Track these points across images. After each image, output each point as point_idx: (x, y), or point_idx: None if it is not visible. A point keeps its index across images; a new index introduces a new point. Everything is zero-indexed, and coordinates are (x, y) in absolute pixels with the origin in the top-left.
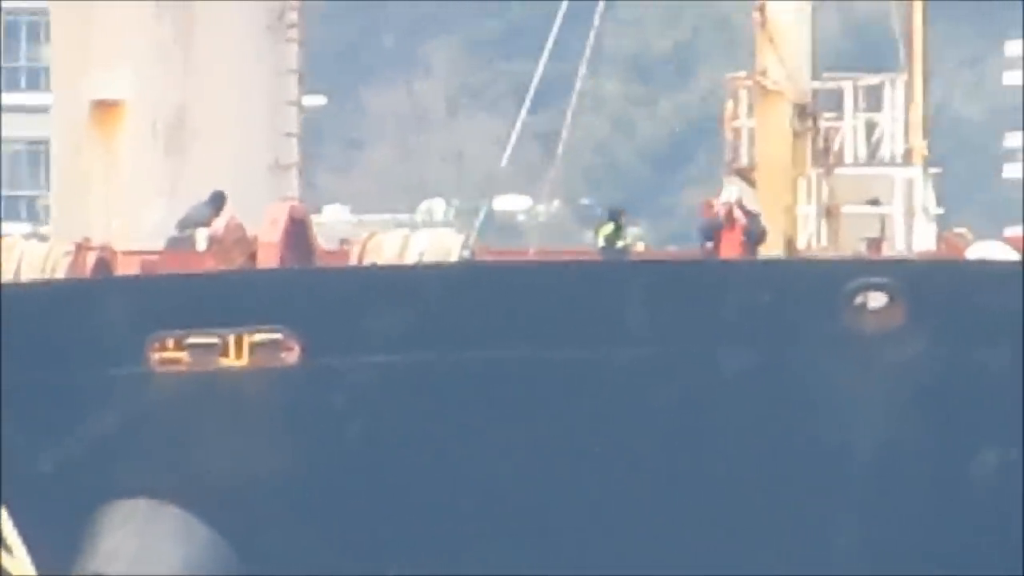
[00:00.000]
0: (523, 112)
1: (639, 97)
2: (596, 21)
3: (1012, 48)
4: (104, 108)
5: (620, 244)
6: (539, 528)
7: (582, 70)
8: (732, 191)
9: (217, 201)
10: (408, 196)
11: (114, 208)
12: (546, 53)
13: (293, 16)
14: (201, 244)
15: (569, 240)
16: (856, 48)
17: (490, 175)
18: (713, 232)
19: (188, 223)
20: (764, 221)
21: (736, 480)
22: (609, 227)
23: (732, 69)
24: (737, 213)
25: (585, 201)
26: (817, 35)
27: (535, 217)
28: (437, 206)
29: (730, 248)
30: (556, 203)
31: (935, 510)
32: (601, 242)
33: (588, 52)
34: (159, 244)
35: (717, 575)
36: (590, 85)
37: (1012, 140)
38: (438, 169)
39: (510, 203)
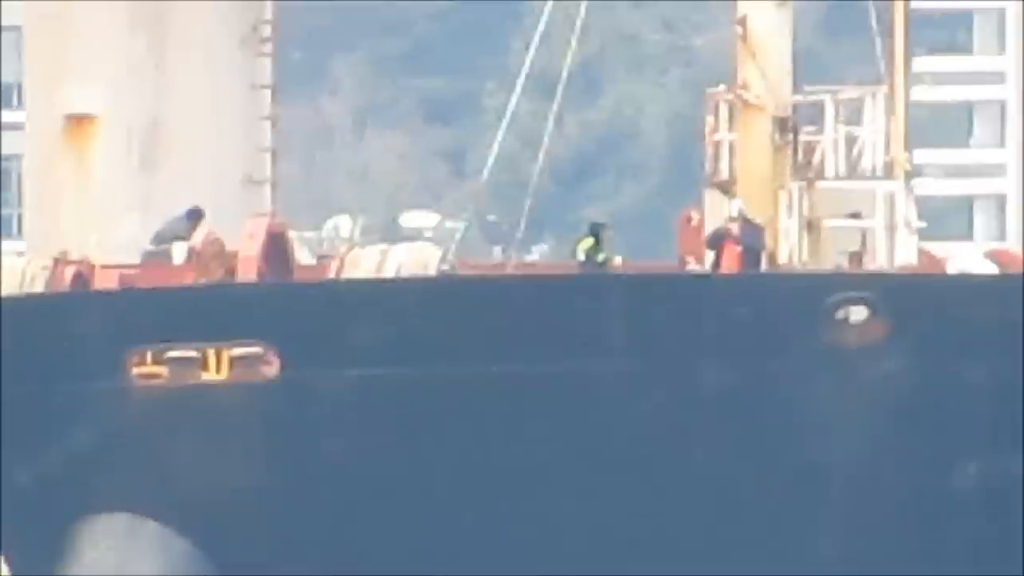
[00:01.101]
0: (507, 113)
1: (546, 113)
2: (577, 27)
3: (919, 65)
4: (77, 122)
5: (600, 258)
6: (519, 540)
7: (564, 73)
8: (735, 204)
9: (194, 216)
10: (314, 213)
11: (88, 222)
12: (533, 47)
13: (266, 30)
14: (177, 258)
15: (478, 256)
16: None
17: (396, 190)
18: (718, 244)
19: (165, 237)
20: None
21: (717, 493)
22: (589, 241)
23: (638, 86)
24: (731, 228)
25: (492, 217)
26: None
27: (442, 233)
28: (344, 223)
29: (729, 261)
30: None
31: (916, 522)
32: (581, 256)
33: (569, 58)
34: (133, 258)
35: None
36: (498, 102)
37: (920, 157)
38: (344, 185)
39: (417, 219)
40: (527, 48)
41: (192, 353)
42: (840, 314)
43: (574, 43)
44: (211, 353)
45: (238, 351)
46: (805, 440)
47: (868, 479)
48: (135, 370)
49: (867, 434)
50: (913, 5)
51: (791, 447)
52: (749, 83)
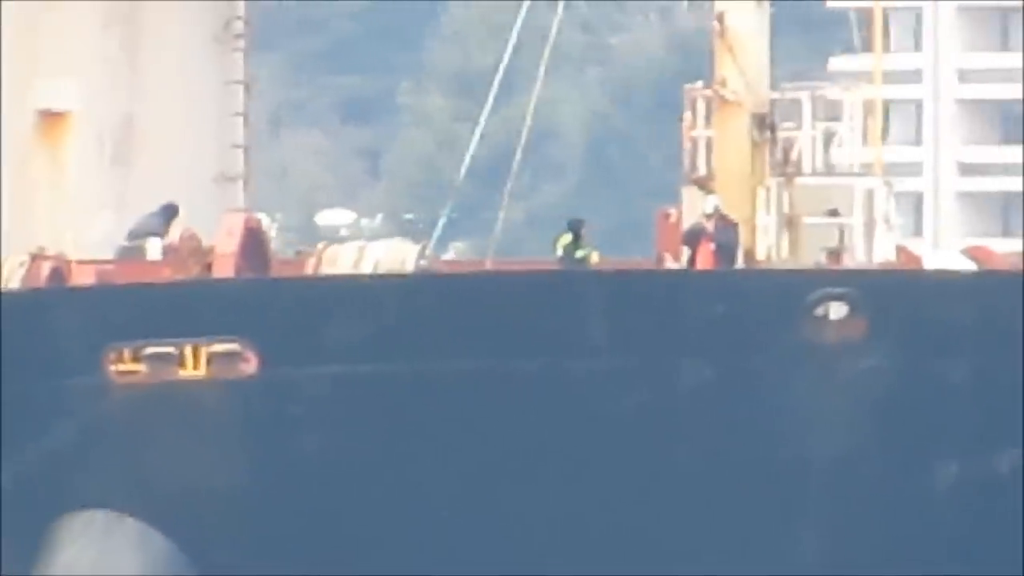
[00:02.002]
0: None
1: (463, 112)
2: (554, 30)
3: (836, 64)
4: (51, 118)
5: (579, 255)
6: (499, 536)
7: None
8: (711, 201)
9: (169, 212)
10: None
11: (61, 219)
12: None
13: (239, 27)
14: (152, 254)
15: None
16: (680, 62)
17: (313, 189)
18: (693, 241)
19: (139, 233)
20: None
21: (695, 490)
22: (567, 237)
23: (555, 84)
24: (707, 225)
25: (408, 216)
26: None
27: (359, 231)
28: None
29: (704, 258)
30: (379, 217)
31: (895, 519)
32: (560, 252)
33: (546, 55)
34: (107, 254)
35: None
36: (414, 100)
37: (836, 155)
38: (261, 184)
39: (334, 218)
40: (442, 48)
41: (170, 350)
42: (819, 311)
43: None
44: (189, 350)
45: (216, 348)
46: (785, 437)
47: (848, 475)
48: (113, 367)
49: (847, 431)
50: (830, 4)
51: (770, 444)
52: (727, 79)
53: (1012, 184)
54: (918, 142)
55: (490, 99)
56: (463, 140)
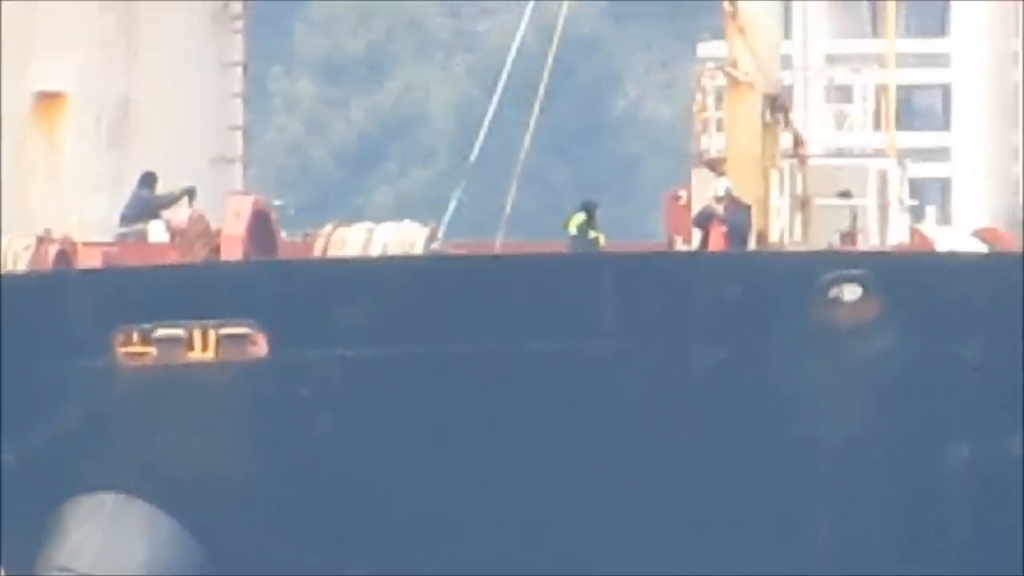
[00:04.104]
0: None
1: (332, 98)
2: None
3: (705, 50)
4: (47, 100)
5: (591, 235)
6: (511, 520)
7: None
8: (722, 183)
9: (148, 181)
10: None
11: (58, 201)
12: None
13: (237, 7)
14: (154, 236)
15: None
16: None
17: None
18: (705, 223)
19: (134, 214)
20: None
21: (706, 474)
22: (581, 217)
23: (426, 70)
24: (719, 207)
25: (277, 202)
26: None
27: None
28: None
29: (716, 241)
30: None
31: (909, 501)
32: (573, 231)
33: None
34: (104, 237)
35: (693, 565)
36: (283, 86)
37: (706, 141)
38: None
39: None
40: (312, 34)
41: (179, 332)
42: (833, 293)
43: None
44: (198, 333)
45: (225, 330)
46: (797, 419)
47: (860, 458)
48: (122, 349)
49: (860, 413)
50: None
51: (783, 426)
52: (738, 60)
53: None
54: None
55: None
56: (333, 126)
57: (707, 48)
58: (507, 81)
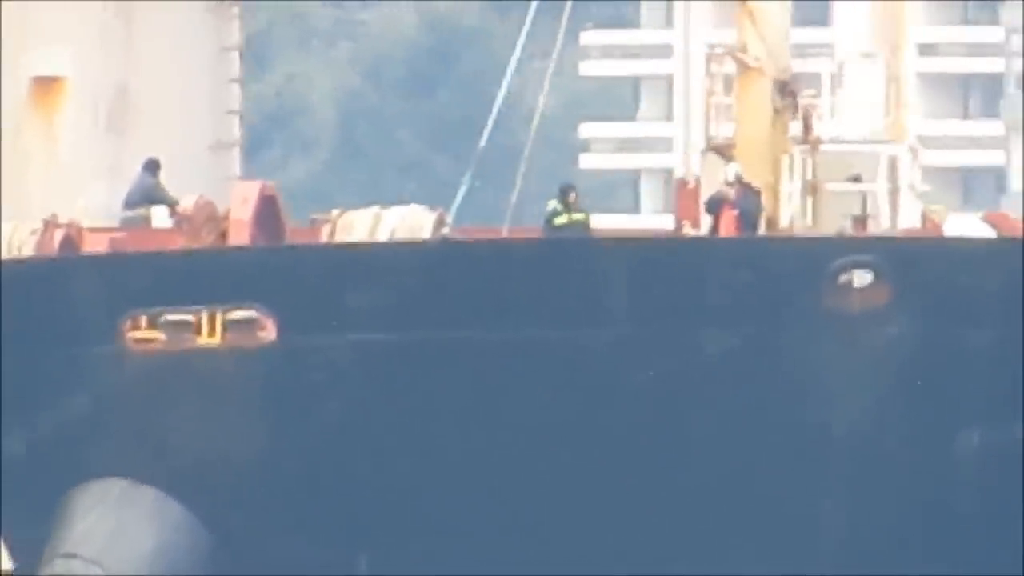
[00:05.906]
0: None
1: None
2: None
3: (587, 38)
4: (45, 85)
5: (557, 222)
6: (517, 507)
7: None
8: (732, 168)
9: (152, 168)
10: None
11: (56, 187)
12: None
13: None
14: (157, 221)
15: None
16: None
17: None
18: (715, 209)
19: (137, 200)
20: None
21: (717, 460)
22: (552, 203)
23: (306, 63)
24: (729, 192)
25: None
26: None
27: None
28: None
29: (727, 226)
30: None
31: (919, 487)
32: (552, 208)
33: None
34: (101, 223)
35: (707, 551)
36: None
37: (587, 131)
38: None
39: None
40: None
41: (187, 318)
42: (844, 278)
43: None
44: (206, 318)
45: (233, 316)
46: (807, 405)
47: (872, 443)
48: (130, 335)
49: (871, 399)
50: None
51: (794, 412)
52: (747, 45)
53: None
54: (669, 118)
55: None
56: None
57: (590, 36)
58: (393, 68)
